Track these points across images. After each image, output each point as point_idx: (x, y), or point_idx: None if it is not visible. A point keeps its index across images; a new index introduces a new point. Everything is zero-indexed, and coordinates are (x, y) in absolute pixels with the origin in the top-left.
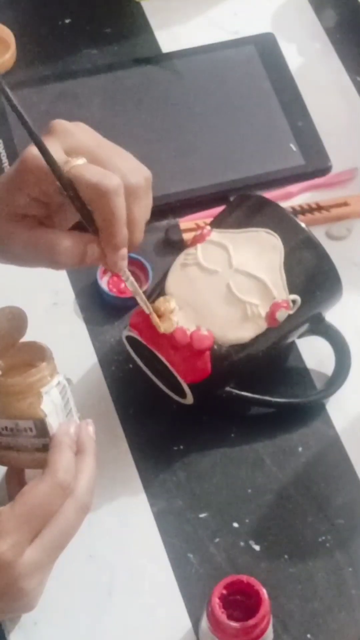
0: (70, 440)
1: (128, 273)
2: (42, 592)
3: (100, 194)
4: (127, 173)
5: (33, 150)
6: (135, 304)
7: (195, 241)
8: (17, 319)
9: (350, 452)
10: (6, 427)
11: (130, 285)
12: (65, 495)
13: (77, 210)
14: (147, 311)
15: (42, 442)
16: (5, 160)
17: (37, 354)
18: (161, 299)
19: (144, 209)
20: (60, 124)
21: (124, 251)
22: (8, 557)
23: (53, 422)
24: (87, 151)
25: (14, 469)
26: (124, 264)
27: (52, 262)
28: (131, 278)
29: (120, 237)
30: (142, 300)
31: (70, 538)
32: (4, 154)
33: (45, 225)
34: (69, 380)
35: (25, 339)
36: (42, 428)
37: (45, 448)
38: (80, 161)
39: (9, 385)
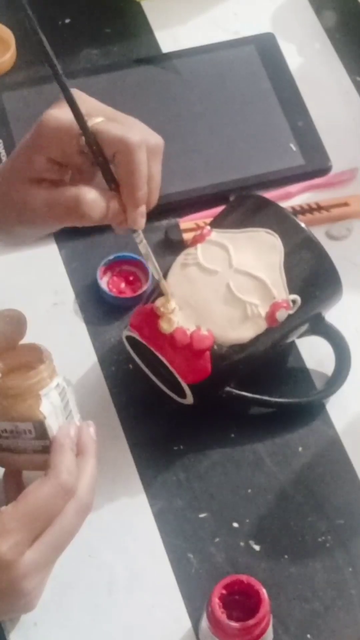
0: (71, 442)
1: (142, 235)
2: (42, 593)
3: (124, 148)
4: (145, 131)
5: (52, 111)
6: (135, 304)
7: (195, 241)
8: (16, 322)
9: (350, 452)
10: (5, 430)
11: (142, 248)
12: (68, 497)
13: (99, 166)
14: (156, 277)
15: (41, 444)
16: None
17: (36, 356)
18: (161, 299)
19: (159, 170)
20: (79, 92)
21: (144, 208)
22: (8, 557)
23: (52, 424)
24: (104, 114)
25: (11, 471)
26: (143, 221)
27: (78, 215)
28: (144, 241)
29: (142, 192)
30: (153, 265)
31: (70, 539)
32: (3, 154)
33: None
34: (68, 382)
35: (26, 339)
36: (41, 430)
37: (45, 450)
38: (100, 120)
39: (8, 388)
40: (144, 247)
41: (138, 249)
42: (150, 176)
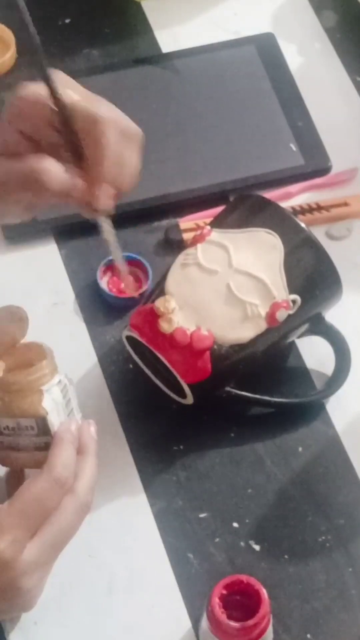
0: (72, 436)
1: (109, 221)
2: (42, 592)
3: (93, 123)
4: (122, 116)
5: (29, 84)
6: (135, 304)
7: (195, 241)
8: (18, 319)
9: (350, 452)
10: (7, 427)
11: (107, 235)
12: (63, 492)
13: (68, 141)
14: (121, 269)
15: (43, 441)
16: None
17: (38, 354)
18: (161, 299)
19: (135, 157)
20: (59, 72)
21: (110, 190)
22: (7, 555)
23: (54, 420)
24: (82, 94)
25: (13, 470)
26: (107, 202)
27: (39, 185)
28: (110, 227)
29: (108, 171)
30: (118, 255)
31: (70, 537)
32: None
33: None
34: (70, 380)
35: (26, 339)
36: (43, 426)
37: (46, 447)
38: (76, 96)
39: (10, 384)
40: (108, 233)
41: (138, 249)
42: (123, 160)
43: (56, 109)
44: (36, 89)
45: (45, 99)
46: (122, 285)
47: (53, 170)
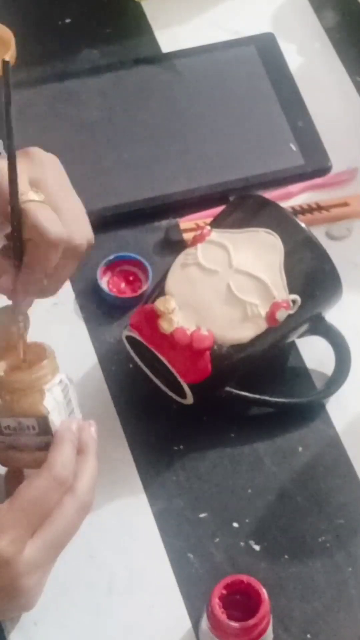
0: (73, 436)
1: (21, 322)
2: (42, 592)
3: (40, 241)
4: (75, 230)
5: (2, 165)
6: (135, 304)
7: (195, 241)
8: (19, 319)
9: (350, 452)
10: (9, 426)
11: (18, 330)
12: (63, 490)
13: (12, 239)
14: (21, 356)
15: (44, 441)
16: None
17: (39, 353)
18: (161, 299)
19: (72, 269)
20: (37, 153)
21: (32, 300)
22: (7, 554)
23: (55, 420)
24: (48, 192)
25: (12, 470)
26: (26, 308)
27: None
28: (21, 324)
29: (38, 284)
30: (21, 348)
31: (70, 537)
32: (4, 154)
33: None
34: (70, 380)
35: (27, 338)
36: (44, 425)
37: (47, 446)
38: (38, 197)
39: (11, 383)
40: (20, 329)
41: (138, 249)
42: (56, 272)
43: (9, 210)
44: (2, 171)
45: (5, 186)
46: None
47: None
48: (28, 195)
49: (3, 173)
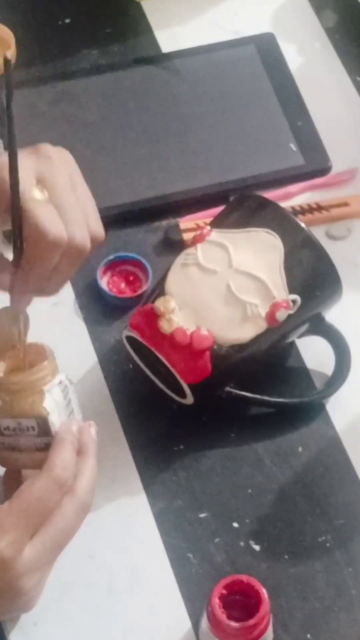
0: (73, 437)
1: (22, 322)
2: (41, 593)
3: (39, 241)
4: (77, 230)
5: (4, 159)
6: (135, 304)
7: (195, 241)
8: (19, 320)
9: (350, 452)
10: (8, 427)
11: (18, 335)
12: (63, 492)
13: (12, 238)
14: (21, 354)
15: (44, 441)
16: None
17: (39, 354)
18: (161, 299)
19: (73, 268)
20: (46, 149)
21: (31, 297)
22: (7, 555)
23: (55, 421)
24: (53, 189)
25: (11, 470)
26: (24, 307)
27: None
28: (22, 325)
29: (36, 284)
30: (22, 345)
31: (69, 538)
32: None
33: None
34: (70, 380)
35: (27, 339)
36: (44, 426)
37: (47, 447)
38: (41, 197)
39: (11, 384)
40: (18, 335)
41: (138, 249)
42: (56, 273)
43: (10, 209)
44: (3, 174)
45: (4, 186)
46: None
47: None
48: (31, 193)
49: (2, 172)
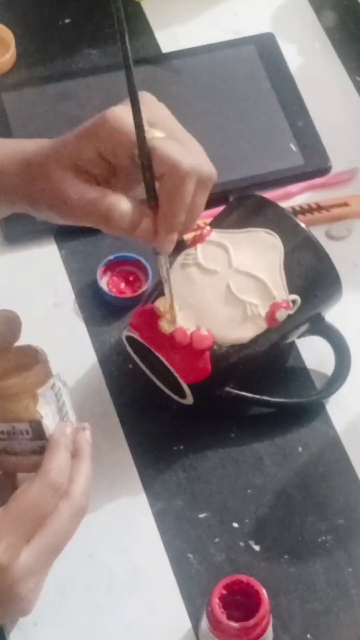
0: (67, 440)
1: (166, 260)
2: (39, 597)
3: (174, 172)
4: (203, 160)
5: (117, 110)
6: (135, 304)
7: (195, 241)
8: (11, 323)
9: (350, 452)
10: (3, 431)
11: (164, 273)
12: (58, 496)
13: (144, 181)
14: (168, 302)
15: (38, 445)
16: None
17: (31, 357)
18: (161, 299)
19: (204, 200)
20: (149, 96)
21: (175, 235)
22: (3, 561)
23: (49, 424)
24: (168, 129)
25: (6, 474)
26: (171, 247)
27: (106, 220)
28: (167, 266)
29: (179, 219)
30: (168, 291)
31: (66, 542)
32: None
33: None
34: (64, 383)
35: (26, 338)
36: (38, 430)
37: (41, 450)
38: (161, 134)
39: (4, 388)
40: (165, 272)
41: (138, 249)
42: (192, 205)
43: (137, 148)
44: (123, 116)
45: (129, 130)
46: (162, 323)
47: (125, 211)
48: (151, 132)
49: (122, 118)
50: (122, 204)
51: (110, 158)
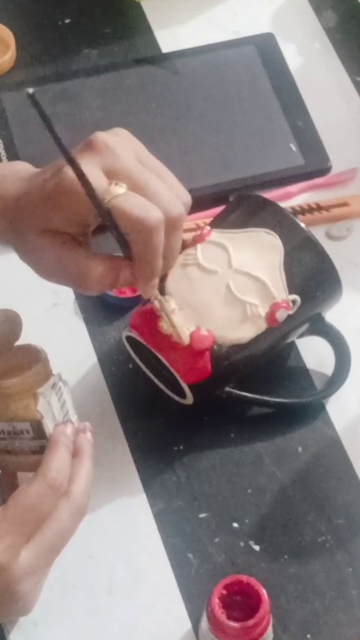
0: (67, 439)
1: (157, 294)
2: (38, 597)
3: (139, 229)
4: (168, 203)
5: (70, 172)
6: (135, 304)
7: (195, 241)
8: (11, 322)
9: (350, 452)
10: (3, 431)
11: (157, 303)
12: (58, 496)
13: (114, 237)
14: (171, 330)
15: (39, 444)
16: (5, 160)
17: (31, 357)
18: (165, 320)
19: (179, 241)
20: (103, 140)
21: (157, 280)
22: (3, 560)
23: (50, 424)
24: (128, 175)
25: (6, 473)
26: (154, 291)
27: (83, 287)
28: (159, 296)
29: (156, 268)
30: (168, 319)
31: (66, 541)
32: (3, 154)
33: (79, 242)
34: (65, 382)
35: (26, 338)
36: (38, 429)
37: (42, 450)
38: (121, 190)
39: (4, 388)
40: (159, 302)
41: None
42: (167, 249)
43: (96, 210)
44: (75, 182)
45: (82, 197)
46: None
47: (100, 276)
48: (109, 191)
49: (76, 184)
50: (96, 269)
51: (78, 220)
